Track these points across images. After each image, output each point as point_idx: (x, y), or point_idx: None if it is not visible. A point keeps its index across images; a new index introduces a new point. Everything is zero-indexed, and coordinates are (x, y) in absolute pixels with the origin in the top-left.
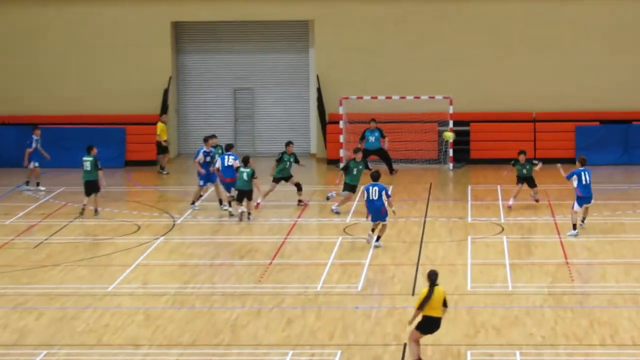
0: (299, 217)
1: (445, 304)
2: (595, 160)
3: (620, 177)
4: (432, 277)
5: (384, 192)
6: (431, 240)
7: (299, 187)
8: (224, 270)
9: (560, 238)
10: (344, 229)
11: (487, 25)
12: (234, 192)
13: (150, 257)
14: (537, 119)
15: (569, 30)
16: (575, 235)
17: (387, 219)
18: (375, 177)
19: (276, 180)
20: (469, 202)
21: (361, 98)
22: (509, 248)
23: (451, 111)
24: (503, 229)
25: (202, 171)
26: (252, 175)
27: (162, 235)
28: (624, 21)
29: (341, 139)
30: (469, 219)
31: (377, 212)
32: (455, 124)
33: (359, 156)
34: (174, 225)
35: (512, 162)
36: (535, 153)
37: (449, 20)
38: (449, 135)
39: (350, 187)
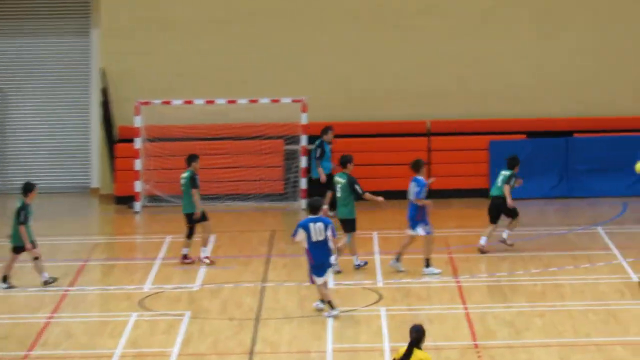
0: (71, 285)
1: None
2: (520, 190)
3: (555, 216)
4: (414, 334)
5: (330, 230)
6: (273, 316)
7: None
8: None
9: (466, 308)
10: (141, 301)
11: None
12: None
13: None
14: (433, 131)
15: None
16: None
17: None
18: (317, 206)
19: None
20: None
21: (168, 103)
22: (390, 326)
23: (304, 121)
24: (381, 296)
25: None
26: None
27: None
28: None
29: (137, 165)
30: (330, 283)
31: (325, 260)
32: (311, 139)
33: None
34: None
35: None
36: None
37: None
38: None
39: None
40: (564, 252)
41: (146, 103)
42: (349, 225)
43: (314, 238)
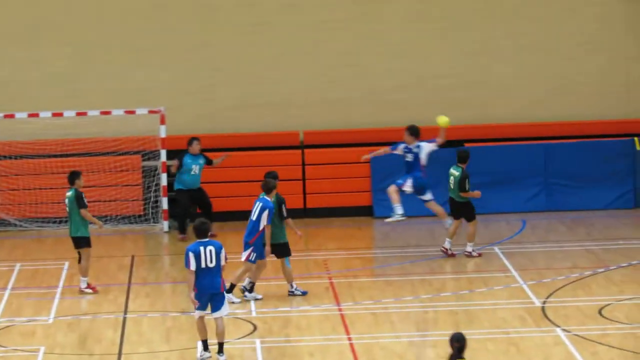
0: None
1: None
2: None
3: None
4: (456, 344)
5: (222, 255)
6: (136, 351)
7: None
8: None
9: (349, 338)
10: None
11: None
12: None
13: None
14: (306, 142)
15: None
16: None
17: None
18: (206, 229)
19: None
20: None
21: (12, 116)
22: (267, 359)
23: (163, 134)
24: (255, 327)
25: None
26: None
27: None
28: None
29: None
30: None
31: (215, 289)
32: (170, 154)
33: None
34: None
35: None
36: (305, 200)
37: None
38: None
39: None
40: (457, 274)
41: None
42: (282, 250)
43: (204, 264)
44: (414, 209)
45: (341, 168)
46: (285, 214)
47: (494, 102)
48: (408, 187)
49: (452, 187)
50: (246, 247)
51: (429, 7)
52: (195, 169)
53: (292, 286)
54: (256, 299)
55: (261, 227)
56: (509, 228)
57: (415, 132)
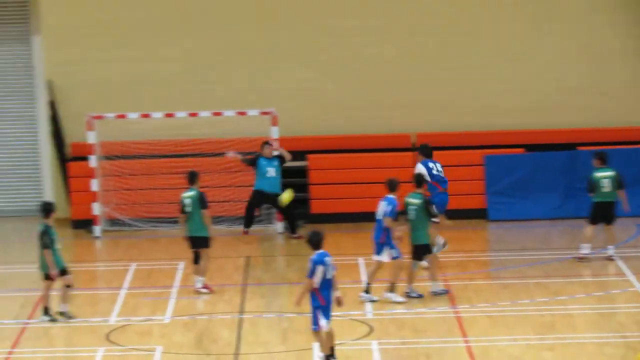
0: (30, 317)
1: None
2: (518, 211)
3: (561, 239)
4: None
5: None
6: (252, 351)
7: None
8: None
9: (466, 341)
10: (107, 335)
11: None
12: None
13: None
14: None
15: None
16: None
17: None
18: (318, 240)
19: None
20: None
21: (123, 117)
22: None
23: (275, 135)
24: (372, 328)
25: None
26: None
27: None
28: None
29: (94, 186)
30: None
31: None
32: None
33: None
34: None
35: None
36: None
37: None
38: (287, 198)
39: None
40: (573, 278)
41: (99, 117)
42: (421, 251)
43: (329, 275)
44: (530, 212)
45: (455, 170)
46: (434, 213)
47: (604, 107)
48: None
49: (605, 189)
50: (379, 247)
51: (540, 10)
52: (271, 171)
53: (409, 288)
54: (372, 301)
55: (384, 225)
56: (624, 232)
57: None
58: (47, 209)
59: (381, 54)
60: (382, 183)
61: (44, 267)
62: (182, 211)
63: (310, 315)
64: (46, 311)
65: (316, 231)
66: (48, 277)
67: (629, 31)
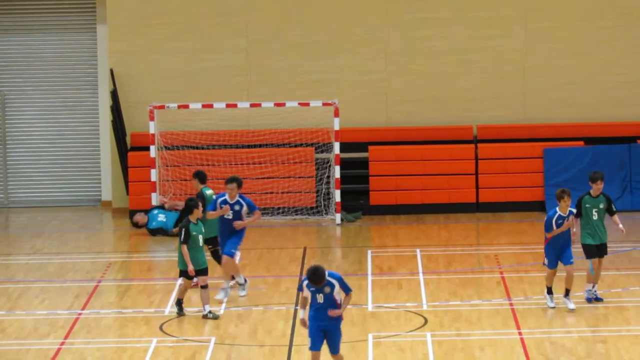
0: (84, 307)
1: None
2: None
3: (618, 232)
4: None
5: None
6: (307, 343)
7: None
8: None
9: (520, 333)
10: (161, 326)
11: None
12: None
13: None
14: (480, 137)
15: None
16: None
17: None
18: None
19: None
20: (369, 278)
21: (186, 107)
22: (437, 354)
23: (337, 127)
24: (426, 320)
25: None
26: None
27: None
28: None
29: (153, 176)
30: (369, 306)
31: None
32: (344, 147)
33: None
34: None
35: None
36: (477, 194)
37: None
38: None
39: None
40: (629, 271)
41: (160, 107)
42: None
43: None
44: None
45: (515, 163)
46: (614, 209)
47: None
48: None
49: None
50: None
51: (603, 3)
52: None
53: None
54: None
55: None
56: None
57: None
58: (190, 205)
59: (446, 46)
60: (441, 175)
61: (181, 263)
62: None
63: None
64: (179, 303)
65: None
66: (184, 274)
67: None
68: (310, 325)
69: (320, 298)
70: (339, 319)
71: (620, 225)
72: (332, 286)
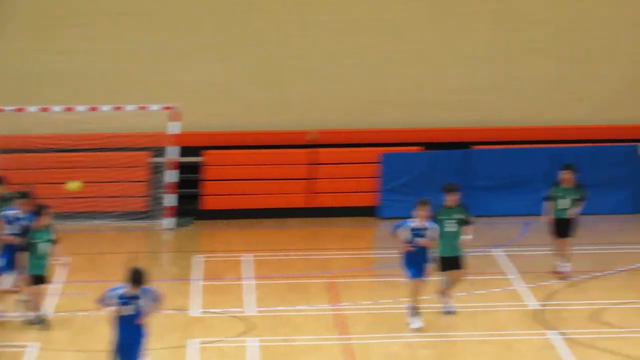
0: None
1: None
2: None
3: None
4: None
5: None
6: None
7: None
8: None
9: (348, 339)
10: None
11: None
12: None
13: None
14: (317, 142)
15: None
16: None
17: None
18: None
19: None
20: (197, 283)
21: (22, 110)
22: (263, 358)
23: (175, 130)
24: (251, 326)
25: None
26: None
27: None
28: None
29: None
30: (196, 312)
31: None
32: (183, 152)
33: None
34: None
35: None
36: (313, 199)
37: None
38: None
39: None
40: (474, 277)
41: None
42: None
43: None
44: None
45: (350, 168)
46: (470, 221)
47: (504, 106)
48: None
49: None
50: None
51: (437, 9)
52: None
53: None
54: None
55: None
56: (512, 231)
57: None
58: None
59: (284, 51)
60: (276, 179)
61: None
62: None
63: None
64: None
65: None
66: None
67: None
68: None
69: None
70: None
71: (467, 236)
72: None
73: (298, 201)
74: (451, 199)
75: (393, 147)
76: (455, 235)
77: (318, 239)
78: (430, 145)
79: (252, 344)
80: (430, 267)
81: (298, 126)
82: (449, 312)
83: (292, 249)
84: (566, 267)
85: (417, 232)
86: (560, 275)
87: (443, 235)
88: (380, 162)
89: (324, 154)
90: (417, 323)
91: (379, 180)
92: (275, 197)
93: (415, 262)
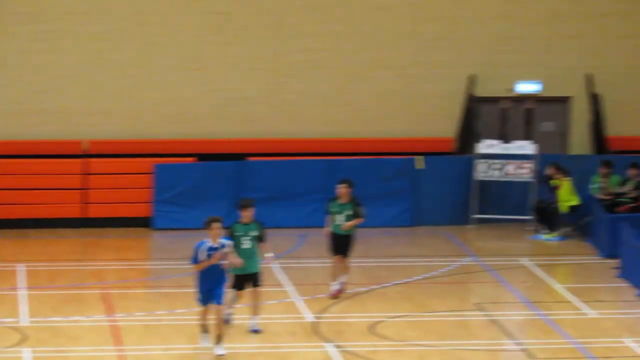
0: None
1: None
2: (185, 220)
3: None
4: None
5: None
6: None
7: None
8: None
9: (121, 350)
10: None
11: None
12: None
13: None
14: (90, 152)
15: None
16: None
17: None
18: None
19: None
20: None
21: None
22: None
23: None
24: (26, 336)
25: None
26: None
27: None
28: None
29: None
30: None
31: None
32: None
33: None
34: None
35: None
36: (85, 209)
37: None
38: None
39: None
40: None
41: None
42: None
43: None
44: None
45: (122, 178)
46: (264, 238)
47: (279, 118)
48: None
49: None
50: None
51: (217, 22)
52: None
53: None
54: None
55: None
56: (286, 243)
57: None
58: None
59: (58, 60)
60: (47, 189)
61: None
62: None
63: None
64: None
65: None
66: None
67: (290, 48)
68: None
69: None
70: None
71: (269, 254)
72: None
73: (73, 212)
74: (247, 215)
75: (167, 158)
76: (251, 252)
77: (92, 249)
78: (205, 157)
79: (27, 354)
80: (227, 284)
81: (72, 135)
82: (255, 331)
83: (67, 260)
84: (336, 285)
85: (214, 251)
86: (332, 295)
87: (239, 252)
88: (153, 173)
89: (97, 164)
90: (220, 350)
91: (152, 191)
92: (50, 207)
93: (209, 283)
